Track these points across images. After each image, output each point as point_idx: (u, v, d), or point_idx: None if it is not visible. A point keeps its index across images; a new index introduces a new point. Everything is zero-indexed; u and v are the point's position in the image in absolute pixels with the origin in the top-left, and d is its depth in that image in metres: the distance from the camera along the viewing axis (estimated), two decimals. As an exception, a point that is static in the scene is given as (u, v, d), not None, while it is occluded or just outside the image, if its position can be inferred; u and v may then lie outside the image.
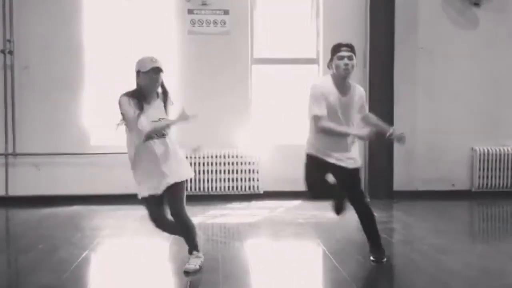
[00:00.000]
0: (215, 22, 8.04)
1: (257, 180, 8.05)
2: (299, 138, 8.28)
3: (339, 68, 4.67)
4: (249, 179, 8.04)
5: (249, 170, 8.01)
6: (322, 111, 4.64)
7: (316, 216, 6.94)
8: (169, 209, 4.67)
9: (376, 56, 7.96)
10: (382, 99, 8.01)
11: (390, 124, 7.95)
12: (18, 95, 7.88)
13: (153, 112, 4.57)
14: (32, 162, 7.92)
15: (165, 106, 4.70)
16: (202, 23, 8.03)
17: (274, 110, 8.32)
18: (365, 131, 4.66)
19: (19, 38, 7.84)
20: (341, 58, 4.67)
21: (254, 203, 7.87)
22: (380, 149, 8.02)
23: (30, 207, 7.51)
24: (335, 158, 4.78)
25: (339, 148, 4.76)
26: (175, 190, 4.61)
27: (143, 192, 4.61)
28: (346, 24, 8.15)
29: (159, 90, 4.67)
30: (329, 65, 4.79)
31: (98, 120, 8.06)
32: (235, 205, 7.71)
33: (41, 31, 7.86)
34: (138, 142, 4.54)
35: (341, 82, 4.74)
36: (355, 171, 4.88)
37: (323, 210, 7.23)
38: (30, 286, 4.40)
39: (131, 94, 4.54)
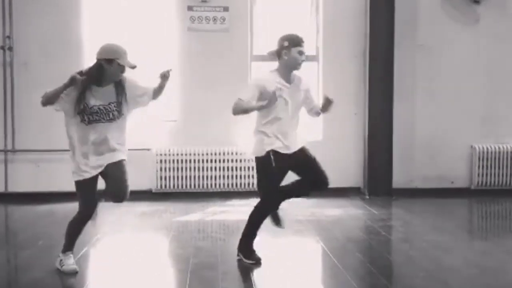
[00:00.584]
0: (214, 19, 8.03)
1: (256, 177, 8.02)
2: (298, 135, 8.33)
3: (295, 61, 4.70)
4: (249, 176, 8.03)
5: (249, 167, 8.00)
6: (246, 97, 4.69)
7: (315, 214, 6.95)
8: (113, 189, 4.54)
9: (376, 53, 7.95)
10: (381, 97, 8.01)
11: (390, 122, 8.04)
12: (17, 91, 7.86)
13: (104, 95, 4.48)
14: (31, 158, 7.91)
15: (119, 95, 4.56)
16: (202, 20, 8.02)
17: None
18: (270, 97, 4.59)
19: (18, 34, 7.82)
20: (301, 53, 4.73)
21: (254, 200, 7.82)
22: (379, 146, 8.03)
23: (29, 204, 7.50)
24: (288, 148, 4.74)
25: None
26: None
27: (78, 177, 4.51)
28: (346, 20, 8.14)
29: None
30: (280, 53, 4.75)
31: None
32: (235, 202, 7.70)
33: (40, 28, 7.84)
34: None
35: (287, 74, 4.76)
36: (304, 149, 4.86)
37: (322, 208, 7.26)
38: (28, 282, 4.41)
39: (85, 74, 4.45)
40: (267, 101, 4.55)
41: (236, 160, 8.00)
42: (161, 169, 7.91)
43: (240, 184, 8.04)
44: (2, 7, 7.77)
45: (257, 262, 4.82)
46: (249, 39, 8.15)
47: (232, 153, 8.00)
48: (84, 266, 4.90)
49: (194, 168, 7.93)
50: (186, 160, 7.93)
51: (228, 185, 8.00)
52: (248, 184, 8.03)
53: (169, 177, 7.94)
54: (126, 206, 7.25)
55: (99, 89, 4.49)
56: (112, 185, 4.54)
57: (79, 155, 4.53)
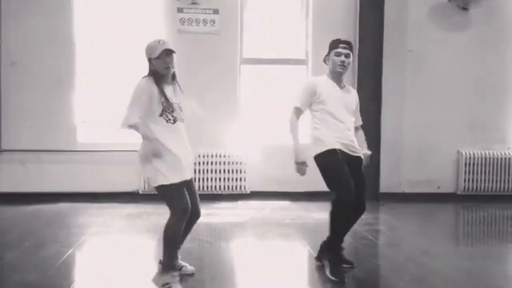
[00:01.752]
0: (204, 21, 8.03)
1: (244, 180, 8.05)
2: (287, 139, 8.33)
3: (334, 63, 4.69)
4: (236, 179, 8.04)
5: (237, 170, 8.01)
6: (302, 105, 4.68)
7: (302, 217, 6.97)
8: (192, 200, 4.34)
9: (365, 58, 7.99)
10: (370, 101, 8.02)
11: (378, 127, 8.07)
12: (4, 91, 7.82)
13: (170, 96, 4.36)
14: (19, 158, 7.86)
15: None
16: (192, 22, 8.02)
17: (262, 110, 8.33)
18: (301, 159, 4.70)
19: (6, 33, 7.78)
20: (339, 54, 4.70)
21: (241, 203, 7.87)
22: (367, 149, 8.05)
23: (17, 204, 7.45)
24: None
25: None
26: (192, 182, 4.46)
27: (174, 179, 4.21)
28: (335, 25, 8.17)
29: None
30: (325, 60, 4.81)
31: (86, 117, 8.03)
32: (222, 204, 7.71)
33: (29, 28, 7.81)
34: (160, 126, 4.24)
35: (337, 78, 4.76)
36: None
37: (309, 211, 7.27)
38: (15, 283, 4.38)
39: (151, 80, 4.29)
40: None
41: (224, 163, 8.01)
42: (149, 171, 7.88)
43: (228, 186, 8.04)
44: (-10, 6, 7.74)
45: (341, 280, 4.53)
46: (239, 42, 8.16)
47: (220, 156, 8.00)
48: (70, 267, 4.88)
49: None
50: (174, 162, 7.90)
51: (215, 187, 8.00)
52: (237, 187, 8.03)
53: (157, 179, 7.90)
54: (112, 208, 7.29)
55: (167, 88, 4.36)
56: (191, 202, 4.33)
57: (172, 157, 4.27)
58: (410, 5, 8.31)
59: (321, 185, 7.95)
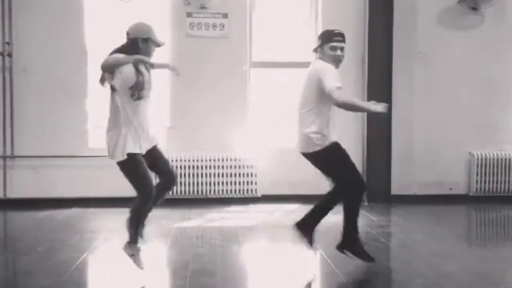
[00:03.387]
0: (214, 26, 8.05)
1: (255, 184, 8.05)
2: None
3: (329, 58, 4.74)
4: (247, 183, 8.04)
5: (247, 174, 8.02)
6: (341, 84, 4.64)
7: (314, 220, 6.94)
8: (161, 168, 4.63)
9: (375, 60, 7.98)
10: (380, 102, 8.01)
11: (388, 128, 8.05)
12: (16, 97, 7.87)
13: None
14: (31, 164, 7.91)
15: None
16: (201, 26, 8.04)
17: (273, 114, 8.33)
18: (381, 106, 4.69)
19: (17, 40, 7.84)
20: (334, 49, 4.74)
21: (252, 207, 7.87)
22: (378, 153, 8.04)
23: (28, 210, 7.50)
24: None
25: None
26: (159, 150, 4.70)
27: (134, 149, 4.48)
28: (344, 28, 7.97)
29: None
30: (317, 50, 4.81)
31: (96, 122, 8.06)
32: (233, 208, 7.71)
33: (40, 34, 7.87)
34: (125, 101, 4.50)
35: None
36: None
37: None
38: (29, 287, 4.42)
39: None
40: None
41: (235, 167, 8.01)
42: (159, 175, 7.90)
43: (239, 190, 8.04)
44: (1, 13, 7.79)
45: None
46: (248, 45, 8.17)
47: (231, 159, 8.01)
48: (83, 272, 4.90)
49: (193, 174, 7.94)
50: (185, 166, 7.94)
51: (226, 191, 8.00)
52: (247, 190, 8.03)
53: (168, 183, 7.92)
54: (124, 213, 7.27)
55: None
56: (163, 169, 4.68)
57: (131, 131, 4.50)
58: (419, 7, 8.28)
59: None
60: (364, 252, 4.90)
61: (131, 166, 4.52)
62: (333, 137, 4.83)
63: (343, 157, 4.83)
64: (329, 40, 4.73)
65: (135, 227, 4.65)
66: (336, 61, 4.74)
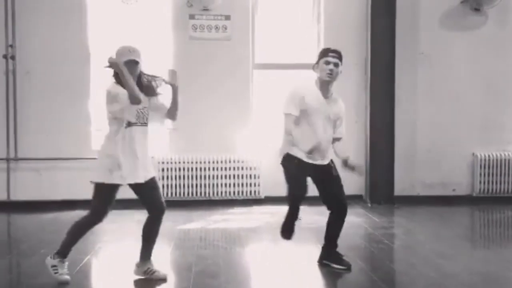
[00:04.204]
0: (216, 28, 8.06)
1: (258, 185, 8.05)
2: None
3: (323, 71, 4.73)
4: (250, 184, 8.04)
5: (250, 175, 8.02)
6: (294, 111, 4.73)
7: (317, 221, 6.91)
8: (155, 200, 4.55)
9: (377, 61, 7.98)
10: (383, 104, 8.03)
11: (391, 129, 8.04)
12: (20, 100, 7.89)
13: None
14: (34, 167, 7.93)
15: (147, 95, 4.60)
16: (204, 29, 8.05)
17: (275, 115, 8.31)
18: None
19: (21, 43, 7.86)
20: (327, 63, 4.74)
21: (255, 208, 7.87)
22: (381, 154, 8.04)
23: (32, 212, 7.51)
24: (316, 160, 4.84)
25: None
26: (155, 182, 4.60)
27: (117, 179, 4.43)
28: (347, 29, 8.18)
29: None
30: (314, 67, 4.85)
31: (99, 124, 8.06)
32: (236, 210, 7.71)
33: (43, 37, 7.89)
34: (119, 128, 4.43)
35: (324, 87, 4.79)
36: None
37: (324, 215, 7.24)
38: (33, 290, 4.42)
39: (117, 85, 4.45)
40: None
41: (239, 168, 8.01)
42: (163, 177, 7.92)
43: (243, 192, 8.04)
44: (5, 16, 7.81)
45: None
46: (250, 47, 8.18)
47: (234, 161, 8.01)
48: (87, 274, 4.91)
49: (196, 176, 7.95)
50: (188, 168, 7.95)
51: (230, 193, 8.01)
52: (251, 192, 8.04)
53: (171, 185, 7.95)
54: (127, 214, 7.30)
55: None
56: (157, 201, 4.58)
57: (113, 158, 4.42)
58: (422, 7, 8.28)
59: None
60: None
61: (98, 191, 4.55)
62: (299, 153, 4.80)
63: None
64: (325, 55, 4.79)
65: (70, 242, 4.61)
66: (326, 74, 4.73)
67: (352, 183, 8.24)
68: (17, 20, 7.84)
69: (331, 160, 4.93)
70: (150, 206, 4.60)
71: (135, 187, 4.52)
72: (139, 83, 4.55)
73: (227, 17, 8.06)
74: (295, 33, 8.38)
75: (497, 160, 8.27)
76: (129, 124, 4.43)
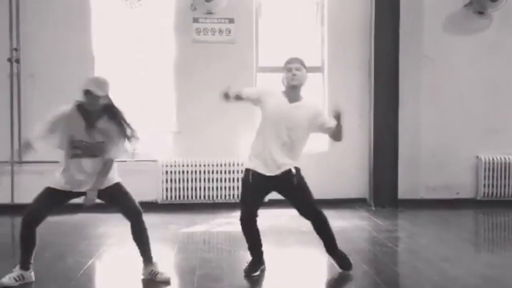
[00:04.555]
0: (220, 31, 8.07)
1: (262, 188, 8.03)
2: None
3: (287, 78, 4.76)
4: (254, 187, 8.02)
5: (254, 178, 8.00)
6: (246, 92, 4.90)
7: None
8: (125, 204, 4.66)
9: (381, 64, 7.98)
10: (386, 107, 8.03)
11: (395, 132, 8.04)
12: (24, 102, 7.91)
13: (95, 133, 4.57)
14: (38, 170, 7.93)
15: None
16: (207, 32, 8.06)
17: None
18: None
19: (25, 46, 7.88)
20: (289, 69, 4.77)
21: (259, 211, 7.84)
22: (385, 157, 8.04)
23: (36, 215, 7.49)
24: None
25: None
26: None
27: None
28: (350, 32, 8.18)
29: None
30: (282, 81, 4.86)
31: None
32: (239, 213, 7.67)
33: (47, 39, 7.90)
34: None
35: (291, 93, 4.78)
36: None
37: (328, 219, 7.22)
38: (36, 294, 4.43)
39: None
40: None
41: (242, 171, 7.94)
42: (167, 180, 7.93)
43: (246, 195, 8.01)
44: (9, 20, 7.84)
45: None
46: (254, 50, 8.19)
47: (238, 164, 8.00)
48: (91, 277, 4.92)
49: (200, 179, 7.95)
50: (192, 171, 7.95)
51: (234, 196, 7.99)
52: (254, 195, 8.01)
53: (175, 188, 7.96)
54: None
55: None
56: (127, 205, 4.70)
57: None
58: (425, 10, 8.28)
59: (338, 193, 7.97)
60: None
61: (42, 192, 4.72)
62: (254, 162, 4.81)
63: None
64: (285, 65, 4.83)
65: (21, 248, 4.71)
66: (290, 80, 4.76)
67: (356, 186, 8.28)
68: (21, 23, 7.87)
69: (291, 168, 4.77)
70: (125, 212, 4.66)
71: (103, 197, 4.61)
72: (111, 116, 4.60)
73: (231, 20, 8.07)
74: (299, 36, 8.38)
75: (501, 163, 8.25)
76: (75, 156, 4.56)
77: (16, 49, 7.84)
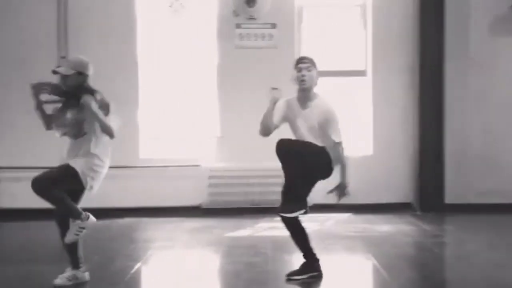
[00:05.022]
0: (262, 36, 8.10)
1: (306, 193, 7.99)
2: (348, 150, 8.25)
3: (296, 80, 4.77)
4: (298, 192, 7.99)
5: (298, 183, 7.98)
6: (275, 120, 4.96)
7: (366, 230, 6.87)
8: None
9: (426, 67, 7.86)
10: (432, 109, 7.91)
11: (441, 134, 7.90)
12: (71, 110, 8.07)
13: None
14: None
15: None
16: (250, 37, 8.10)
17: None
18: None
19: (72, 53, 8.02)
20: (299, 69, 4.75)
21: (303, 216, 7.81)
22: (430, 160, 7.91)
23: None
24: None
25: None
26: None
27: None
28: (395, 34, 8.09)
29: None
30: (292, 80, 4.87)
31: (148, 133, 8.20)
32: (284, 218, 7.66)
33: (95, 49, 8.02)
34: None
35: (303, 96, 4.81)
36: None
37: (373, 224, 7.18)
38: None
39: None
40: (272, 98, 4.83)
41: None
42: (210, 185, 7.98)
43: (289, 199, 7.99)
44: (57, 28, 8.03)
45: None
46: (296, 55, 8.17)
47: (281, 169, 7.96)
48: (139, 281, 4.98)
49: (244, 184, 7.96)
50: (235, 176, 7.97)
51: (278, 201, 7.93)
52: (297, 199, 7.98)
53: (219, 193, 7.99)
54: (176, 222, 7.41)
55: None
56: None
57: None
58: (471, 11, 8.10)
59: (383, 197, 7.88)
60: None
61: None
62: None
63: None
64: (295, 65, 4.83)
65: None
66: (300, 82, 4.77)
67: (401, 190, 8.16)
68: (69, 32, 8.04)
69: None
70: None
71: None
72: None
73: (273, 25, 8.08)
74: (342, 40, 8.34)
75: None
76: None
77: (63, 57, 8.02)
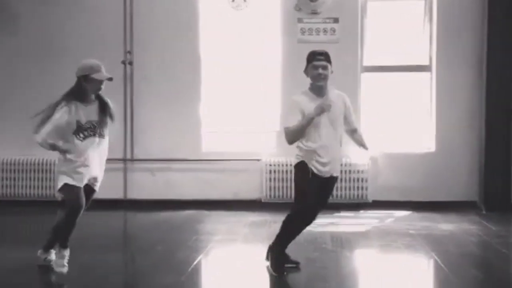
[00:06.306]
0: (325, 31, 8.06)
1: (366, 189, 7.94)
2: (410, 147, 8.14)
3: (313, 77, 4.75)
4: (358, 188, 7.95)
5: (358, 179, 7.93)
6: (296, 123, 4.78)
7: (428, 228, 6.75)
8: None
9: (494, 62, 7.61)
10: (499, 108, 7.67)
11: (509, 132, 7.66)
12: (136, 104, 8.28)
13: (89, 113, 4.78)
14: (149, 167, 8.29)
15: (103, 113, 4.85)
16: (312, 32, 8.07)
17: (384, 118, 8.19)
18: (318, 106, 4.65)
19: (138, 49, 8.25)
20: (316, 67, 4.71)
21: (363, 212, 7.78)
22: (497, 158, 7.68)
23: (147, 211, 7.85)
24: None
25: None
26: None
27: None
28: (461, 28, 7.88)
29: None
30: (305, 72, 4.85)
31: (210, 127, 8.31)
32: (343, 214, 7.64)
33: (158, 43, 8.21)
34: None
35: (318, 89, 4.78)
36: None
37: (435, 222, 7.04)
38: (151, 285, 4.62)
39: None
40: (317, 110, 4.65)
41: (346, 172, 7.93)
42: (270, 179, 8.02)
43: (349, 195, 7.96)
44: (123, 24, 8.23)
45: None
46: (359, 50, 8.10)
47: (341, 165, 7.85)
48: (202, 272, 5.08)
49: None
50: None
51: (337, 196, 7.92)
52: (358, 195, 7.94)
53: (278, 187, 8.03)
54: (236, 215, 7.49)
55: (85, 107, 4.78)
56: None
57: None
58: (542, 4, 7.82)
59: (446, 195, 7.70)
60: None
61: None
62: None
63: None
64: (311, 59, 4.77)
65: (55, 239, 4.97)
66: (317, 79, 4.72)
67: (465, 188, 7.97)
68: (134, 27, 8.23)
69: None
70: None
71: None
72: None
73: (336, 20, 8.03)
74: (406, 34, 8.19)
75: None
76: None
77: (129, 52, 8.23)
